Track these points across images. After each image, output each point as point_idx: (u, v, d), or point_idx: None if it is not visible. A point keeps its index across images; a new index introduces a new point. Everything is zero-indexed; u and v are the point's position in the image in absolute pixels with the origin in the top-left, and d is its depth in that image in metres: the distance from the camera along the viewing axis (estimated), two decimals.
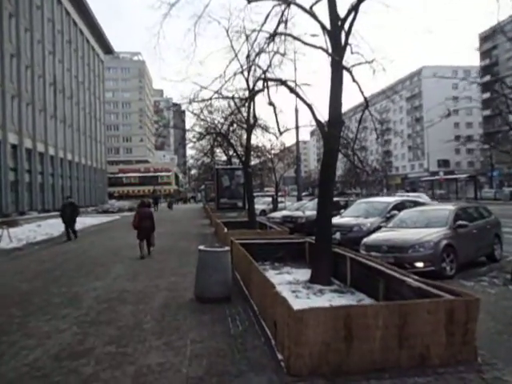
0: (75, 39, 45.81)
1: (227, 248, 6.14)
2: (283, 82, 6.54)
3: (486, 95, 65.77)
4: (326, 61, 7.89)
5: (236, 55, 9.73)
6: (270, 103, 6.73)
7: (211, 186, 40.12)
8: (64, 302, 5.96)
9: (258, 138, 17.29)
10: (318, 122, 6.99)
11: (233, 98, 10.69)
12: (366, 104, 8.35)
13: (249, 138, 14.27)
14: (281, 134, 6.71)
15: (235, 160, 25.35)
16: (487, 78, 68.27)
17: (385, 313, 3.56)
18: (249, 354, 3.94)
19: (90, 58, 51.56)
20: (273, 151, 24.99)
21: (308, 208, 18.01)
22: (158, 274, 8.07)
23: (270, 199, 28.76)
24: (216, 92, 10.12)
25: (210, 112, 18.94)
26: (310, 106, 6.83)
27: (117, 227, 20.88)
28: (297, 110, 25.16)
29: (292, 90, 6.63)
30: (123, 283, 7.28)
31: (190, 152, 54.77)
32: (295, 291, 6.55)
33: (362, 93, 8.18)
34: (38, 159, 34.76)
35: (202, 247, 6.08)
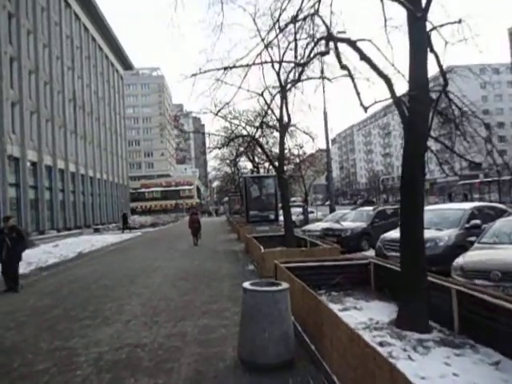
0: (94, 55, 45.49)
1: (285, 285, 4.11)
2: (353, 43, 4.60)
3: None
4: (380, 28, 5.93)
5: (262, 39, 8.05)
6: (343, 66, 4.78)
7: (235, 198, 38.39)
8: (50, 371, 4.08)
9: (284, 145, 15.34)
10: (396, 99, 5.00)
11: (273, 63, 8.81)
12: (445, 82, 6.31)
13: (282, 140, 12.36)
14: (366, 108, 4.71)
15: (260, 170, 23.55)
16: None
17: None
18: None
19: (109, 73, 51.24)
20: (304, 156, 22.89)
21: (349, 219, 15.86)
22: (183, 313, 6.14)
23: (299, 210, 26.57)
24: (241, 84, 8.32)
25: (235, 117, 17.28)
26: (387, 79, 4.85)
27: (137, 246, 19.20)
28: (325, 113, 23.35)
29: (364, 56, 4.68)
30: (137, 330, 5.38)
31: (211, 163, 53.45)
32: (383, 344, 4.48)
33: (441, 67, 6.17)
34: (59, 176, 33.90)
35: (247, 284, 4.08)
